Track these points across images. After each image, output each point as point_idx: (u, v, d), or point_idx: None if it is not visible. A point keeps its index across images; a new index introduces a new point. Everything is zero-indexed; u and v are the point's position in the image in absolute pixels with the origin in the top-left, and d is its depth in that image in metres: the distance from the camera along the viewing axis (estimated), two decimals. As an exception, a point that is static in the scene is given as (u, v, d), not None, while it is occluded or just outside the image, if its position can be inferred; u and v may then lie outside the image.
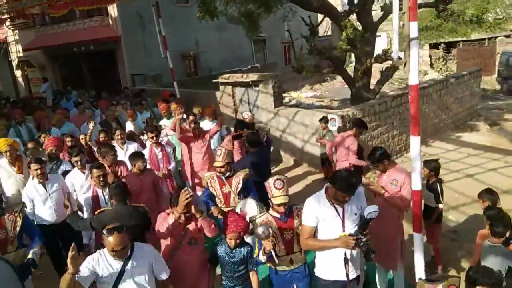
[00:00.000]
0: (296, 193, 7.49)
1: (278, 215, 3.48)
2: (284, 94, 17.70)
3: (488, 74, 19.31)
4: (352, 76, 10.26)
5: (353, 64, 10.97)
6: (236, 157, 6.12)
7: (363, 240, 3.04)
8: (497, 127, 11.66)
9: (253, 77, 9.57)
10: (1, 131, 7.42)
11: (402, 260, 4.13)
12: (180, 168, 7.07)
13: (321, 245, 3.28)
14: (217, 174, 4.76)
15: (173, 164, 6.30)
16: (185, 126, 6.52)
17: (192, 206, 3.54)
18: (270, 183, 3.40)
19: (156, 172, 5.63)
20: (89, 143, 6.69)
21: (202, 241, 3.86)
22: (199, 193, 6.02)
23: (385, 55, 9.22)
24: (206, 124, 7.47)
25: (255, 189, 4.84)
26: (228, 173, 4.73)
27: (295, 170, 8.84)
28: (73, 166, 5.91)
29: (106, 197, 4.61)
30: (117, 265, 3.01)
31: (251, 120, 6.85)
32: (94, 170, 4.67)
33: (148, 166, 5.58)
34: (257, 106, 9.68)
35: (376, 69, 12.34)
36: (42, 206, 4.98)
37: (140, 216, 4.05)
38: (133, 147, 6.34)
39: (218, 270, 3.80)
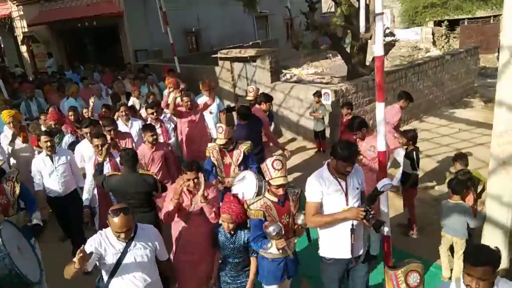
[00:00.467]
0: (293, 166, 7.88)
1: (275, 199, 3.33)
2: (285, 71, 17.95)
3: (491, 52, 19.32)
4: (348, 52, 10.51)
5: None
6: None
7: (372, 213, 3.04)
8: (491, 104, 11.88)
9: (251, 52, 9.82)
10: (0, 106, 7.53)
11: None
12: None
13: (330, 219, 3.23)
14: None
15: (173, 138, 6.50)
16: (178, 103, 6.61)
17: (200, 194, 3.55)
18: (268, 164, 3.23)
19: None
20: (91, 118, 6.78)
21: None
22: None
23: (380, 32, 9.44)
24: (203, 99, 7.51)
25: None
26: (230, 147, 4.85)
27: (291, 144, 9.20)
28: (76, 138, 6.19)
29: (107, 165, 4.78)
30: (120, 246, 2.99)
31: (255, 94, 6.82)
32: (95, 139, 4.84)
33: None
34: (255, 81, 9.96)
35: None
36: (49, 178, 5.12)
37: (147, 184, 4.26)
38: (137, 123, 6.45)
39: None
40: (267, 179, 3.27)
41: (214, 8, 17.59)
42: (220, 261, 3.63)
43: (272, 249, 3.26)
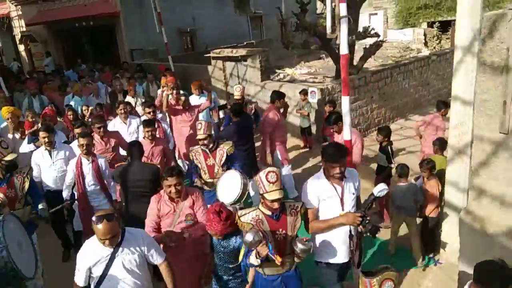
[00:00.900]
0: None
1: (269, 213, 3.11)
2: (279, 71, 18.26)
3: (480, 52, 19.67)
4: (337, 52, 10.85)
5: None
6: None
7: (368, 218, 3.04)
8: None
9: (242, 52, 10.16)
10: (1, 103, 7.66)
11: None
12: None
13: (326, 226, 3.22)
14: (201, 147, 4.94)
15: (171, 141, 6.64)
16: (171, 101, 6.72)
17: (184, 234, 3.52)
18: (261, 177, 3.02)
19: None
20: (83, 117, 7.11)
21: (197, 219, 3.82)
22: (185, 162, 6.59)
23: (365, 33, 9.82)
24: (193, 99, 7.66)
25: (239, 157, 5.19)
26: (211, 145, 4.93)
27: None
28: (68, 137, 6.38)
29: (89, 165, 4.87)
30: (107, 252, 2.92)
31: (242, 93, 6.99)
32: (80, 139, 4.83)
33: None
34: (246, 80, 10.31)
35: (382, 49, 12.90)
36: (46, 172, 5.21)
37: (151, 173, 4.54)
38: (135, 121, 6.62)
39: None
40: (260, 192, 3.07)
41: (209, 8, 17.91)
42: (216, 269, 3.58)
43: (252, 259, 3.02)
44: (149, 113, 6.23)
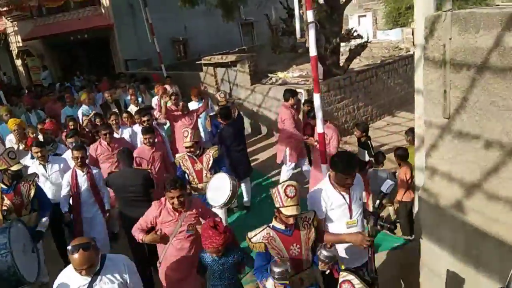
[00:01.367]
0: (269, 158, 8.66)
1: (282, 228, 3.02)
2: (271, 75, 18.70)
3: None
4: (322, 54, 11.28)
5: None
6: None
7: (383, 220, 3.04)
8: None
9: (231, 57, 10.58)
10: (5, 116, 7.80)
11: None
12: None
13: (333, 239, 3.15)
14: (188, 154, 5.02)
15: (168, 147, 6.77)
16: (170, 107, 6.95)
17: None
18: (279, 189, 2.92)
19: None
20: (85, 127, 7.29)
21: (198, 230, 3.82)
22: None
23: (348, 35, 10.26)
24: (193, 105, 7.86)
25: (230, 159, 5.47)
26: (198, 152, 5.01)
27: (271, 139, 9.98)
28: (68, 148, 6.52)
29: (84, 177, 4.95)
30: (84, 281, 2.72)
31: (225, 98, 7.13)
32: (75, 152, 4.92)
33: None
34: (236, 84, 10.72)
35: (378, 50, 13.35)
36: (43, 185, 5.13)
37: (142, 177, 4.70)
38: (127, 131, 6.74)
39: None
40: (277, 206, 2.96)
41: (201, 17, 18.35)
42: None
43: (269, 285, 2.87)
44: (144, 121, 6.35)
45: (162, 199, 3.74)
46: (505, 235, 2.70)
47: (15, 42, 18.93)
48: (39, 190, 4.66)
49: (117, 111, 7.79)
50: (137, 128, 6.78)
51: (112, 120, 6.65)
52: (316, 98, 4.00)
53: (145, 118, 6.34)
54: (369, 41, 11.88)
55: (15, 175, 4.47)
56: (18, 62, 19.50)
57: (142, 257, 4.86)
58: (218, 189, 4.53)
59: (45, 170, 5.26)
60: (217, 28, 18.98)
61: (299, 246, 3.06)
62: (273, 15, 15.66)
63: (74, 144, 5.46)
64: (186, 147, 4.96)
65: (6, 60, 20.33)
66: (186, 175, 5.05)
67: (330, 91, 9.52)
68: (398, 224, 3.41)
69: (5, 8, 11.95)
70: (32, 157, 5.86)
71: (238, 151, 6.27)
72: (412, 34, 23.41)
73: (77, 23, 16.00)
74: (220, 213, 4.64)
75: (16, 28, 18.35)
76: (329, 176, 3.27)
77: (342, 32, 10.59)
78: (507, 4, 3.08)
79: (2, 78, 17.37)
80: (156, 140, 5.74)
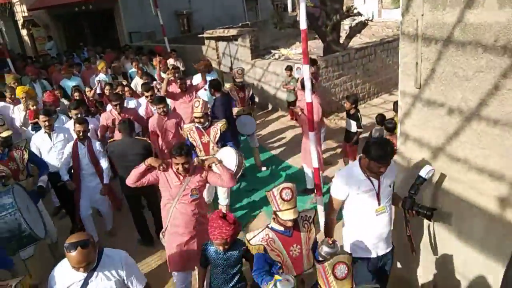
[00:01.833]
0: (270, 133, 8.99)
1: (281, 229, 2.98)
2: (274, 51, 18.85)
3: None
4: (323, 31, 11.45)
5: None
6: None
7: (419, 204, 3.02)
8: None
9: (233, 32, 10.79)
10: (13, 84, 7.91)
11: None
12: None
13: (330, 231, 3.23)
14: (196, 125, 5.04)
15: None
16: (171, 81, 6.96)
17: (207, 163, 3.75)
18: (275, 193, 2.86)
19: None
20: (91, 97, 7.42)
21: (202, 195, 3.91)
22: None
23: (348, 12, 10.42)
24: (198, 78, 7.88)
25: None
26: (206, 124, 5.03)
27: (270, 113, 10.30)
28: (70, 119, 6.52)
29: (84, 149, 5.05)
30: (80, 276, 2.63)
31: (242, 76, 6.97)
32: (77, 125, 4.99)
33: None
34: (237, 58, 10.96)
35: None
36: (47, 154, 5.31)
37: (142, 147, 4.87)
38: (133, 103, 6.93)
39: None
40: (273, 209, 2.92)
41: (205, -9, 18.45)
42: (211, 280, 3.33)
43: None
44: (147, 97, 6.53)
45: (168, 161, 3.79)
46: (463, 193, 3.04)
47: (21, 12, 19.07)
48: (32, 155, 4.81)
49: (124, 83, 8.02)
50: (143, 100, 6.95)
51: (119, 91, 6.83)
52: (305, 69, 4.28)
53: (148, 94, 6.51)
54: (370, 19, 12.06)
55: (5, 142, 4.61)
56: (24, 32, 19.68)
57: (143, 227, 5.23)
58: (224, 163, 4.52)
59: (50, 139, 5.35)
60: (221, 3, 19.06)
61: (300, 246, 3.01)
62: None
63: (78, 116, 5.57)
64: (196, 117, 4.97)
65: (12, 30, 20.49)
66: (193, 147, 5.08)
67: (328, 67, 9.76)
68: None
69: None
70: (33, 129, 6.08)
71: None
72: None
73: (82, -6, 16.11)
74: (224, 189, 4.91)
75: (21, -2, 18.49)
76: (360, 160, 3.08)
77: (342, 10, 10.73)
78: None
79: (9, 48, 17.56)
80: (168, 109, 5.78)
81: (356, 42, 13.04)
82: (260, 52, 11.81)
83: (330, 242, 2.62)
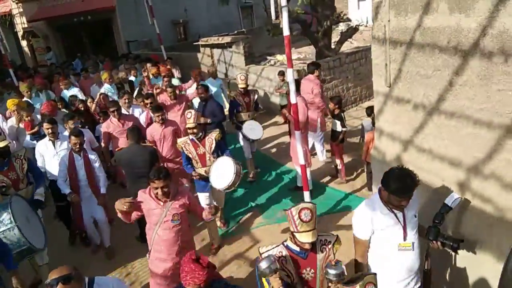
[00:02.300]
0: (264, 135, 9.25)
1: (296, 249, 2.78)
2: (269, 57, 19.25)
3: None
4: (315, 36, 11.80)
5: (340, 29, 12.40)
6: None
7: (445, 235, 2.82)
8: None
9: (227, 39, 11.14)
10: (26, 93, 8.24)
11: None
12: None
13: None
14: (190, 137, 5.02)
15: None
16: (162, 88, 7.19)
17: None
18: (293, 212, 2.68)
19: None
20: (89, 105, 7.57)
21: (185, 220, 3.77)
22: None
23: (338, 18, 10.78)
24: (193, 86, 8.10)
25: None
26: (200, 134, 5.02)
27: (266, 118, 10.61)
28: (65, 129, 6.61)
29: (80, 161, 5.08)
30: None
31: (245, 81, 6.94)
32: (72, 137, 5.01)
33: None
34: (232, 65, 11.31)
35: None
36: (50, 162, 5.38)
37: (148, 153, 5.05)
38: (138, 110, 7.01)
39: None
40: (290, 229, 2.75)
41: (201, 0, 18.83)
42: None
43: None
44: (147, 104, 6.63)
45: (148, 188, 3.68)
46: (430, 180, 3.34)
47: (20, 23, 19.45)
48: (31, 164, 4.89)
49: (130, 91, 8.20)
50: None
51: (125, 99, 6.93)
52: (289, 73, 4.59)
53: (147, 101, 6.64)
54: (363, 24, 12.42)
55: (3, 152, 4.65)
56: (24, 43, 20.05)
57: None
58: (222, 172, 4.61)
59: (54, 146, 5.43)
60: (217, 11, 19.48)
61: (314, 271, 2.80)
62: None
63: (74, 126, 5.67)
64: (189, 128, 4.96)
65: (12, 41, 20.86)
66: (189, 160, 5.09)
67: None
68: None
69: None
70: (32, 139, 6.25)
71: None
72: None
73: (80, 5, 16.50)
74: (221, 193, 4.88)
75: (21, 10, 18.85)
76: (380, 191, 2.84)
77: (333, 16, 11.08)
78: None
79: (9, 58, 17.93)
80: (165, 117, 5.87)
81: (348, 47, 13.39)
82: (256, 59, 12.17)
83: (333, 263, 2.54)
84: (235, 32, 18.80)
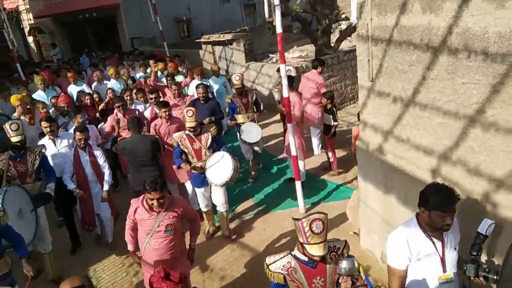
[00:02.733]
0: (264, 130, 9.46)
1: (305, 259, 2.68)
2: (272, 55, 19.52)
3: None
4: (315, 35, 12.05)
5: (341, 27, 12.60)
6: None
7: (486, 268, 2.48)
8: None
9: (228, 36, 11.41)
10: (40, 85, 8.41)
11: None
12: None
13: None
14: (186, 132, 5.06)
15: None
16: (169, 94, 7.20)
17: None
18: (304, 224, 2.55)
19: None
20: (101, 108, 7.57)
21: (179, 230, 3.74)
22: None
23: (336, 17, 11.02)
24: (195, 83, 8.13)
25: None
26: (197, 131, 5.08)
27: (266, 114, 10.82)
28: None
29: (86, 157, 5.14)
30: None
31: (240, 81, 6.81)
32: (77, 133, 5.07)
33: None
34: (233, 62, 11.58)
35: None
36: (52, 160, 5.35)
37: (150, 142, 5.16)
38: (141, 107, 7.17)
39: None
40: (300, 240, 2.61)
41: (204, -2, 19.14)
42: None
43: None
44: (151, 98, 6.73)
45: (141, 196, 3.65)
46: (408, 169, 3.60)
47: (27, 20, 19.79)
48: (44, 161, 4.95)
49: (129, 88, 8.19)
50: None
51: (127, 96, 7.03)
52: (282, 68, 4.86)
53: (152, 96, 6.74)
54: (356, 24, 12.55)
55: (20, 146, 4.77)
56: (30, 39, 20.40)
57: None
58: (219, 167, 4.69)
59: (55, 144, 5.47)
60: (220, 9, 19.74)
61: (324, 280, 2.71)
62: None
63: (82, 120, 5.88)
64: (190, 127, 5.00)
65: (19, 37, 21.22)
66: (185, 154, 5.12)
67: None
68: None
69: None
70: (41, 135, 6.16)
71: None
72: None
73: (86, 2, 16.78)
74: (221, 191, 5.09)
75: (28, 6, 19.19)
76: (417, 216, 2.63)
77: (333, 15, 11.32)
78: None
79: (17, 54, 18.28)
80: (171, 113, 5.90)
81: (347, 45, 13.62)
82: (259, 56, 12.41)
83: (346, 255, 2.62)
84: (238, 30, 19.07)
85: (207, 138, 5.06)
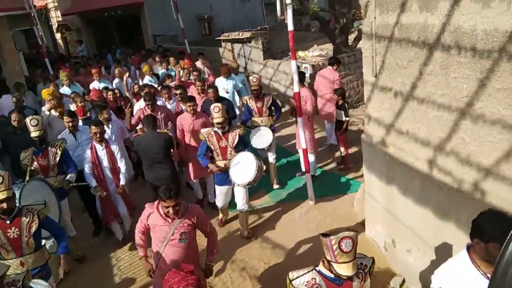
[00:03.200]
0: (282, 126, 9.69)
1: (331, 275, 2.57)
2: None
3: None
4: (334, 34, 12.19)
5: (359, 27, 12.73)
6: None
7: None
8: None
9: (247, 34, 11.67)
10: (65, 81, 8.69)
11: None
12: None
13: None
14: (214, 129, 5.05)
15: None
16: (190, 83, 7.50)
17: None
18: (333, 241, 2.43)
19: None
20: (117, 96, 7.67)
21: (193, 239, 3.65)
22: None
23: (353, 16, 11.15)
24: (221, 82, 8.29)
25: None
26: (226, 128, 5.04)
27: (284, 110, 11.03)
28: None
29: (103, 151, 5.18)
30: None
31: (258, 83, 6.48)
32: (93, 127, 5.09)
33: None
34: (251, 59, 11.84)
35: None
36: (73, 153, 5.43)
37: (164, 140, 5.23)
38: (161, 102, 7.07)
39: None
40: (327, 258, 2.52)
41: (225, -4, 19.46)
42: None
43: None
44: (176, 94, 6.81)
45: (156, 202, 3.56)
46: (408, 160, 3.79)
47: (55, 17, 20.56)
48: (65, 154, 5.07)
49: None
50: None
51: (153, 91, 7.03)
52: (293, 64, 5.10)
53: (177, 91, 6.75)
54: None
55: (41, 140, 4.92)
56: (58, 36, 21.16)
57: None
58: (243, 167, 4.69)
59: (75, 138, 5.62)
60: (242, 7, 20.06)
61: None
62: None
63: (108, 116, 5.95)
64: (218, 123, 4.96)
65: (47, 34, 22.02)
66: (210, 151, 5.13)
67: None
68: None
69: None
70: (84, 123, 6.16)
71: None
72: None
73: (111, 0, 17.35)
74: (243, 190, 5.07)
75: (56, 4, 19.93)
76: (469, 251, 2.32)
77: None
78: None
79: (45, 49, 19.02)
80: (196, 108, 5.92)
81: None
82: (278, 55, 12.61)
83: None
84: (258, 28, 19.31)
85: (234, 137, 5.02)
